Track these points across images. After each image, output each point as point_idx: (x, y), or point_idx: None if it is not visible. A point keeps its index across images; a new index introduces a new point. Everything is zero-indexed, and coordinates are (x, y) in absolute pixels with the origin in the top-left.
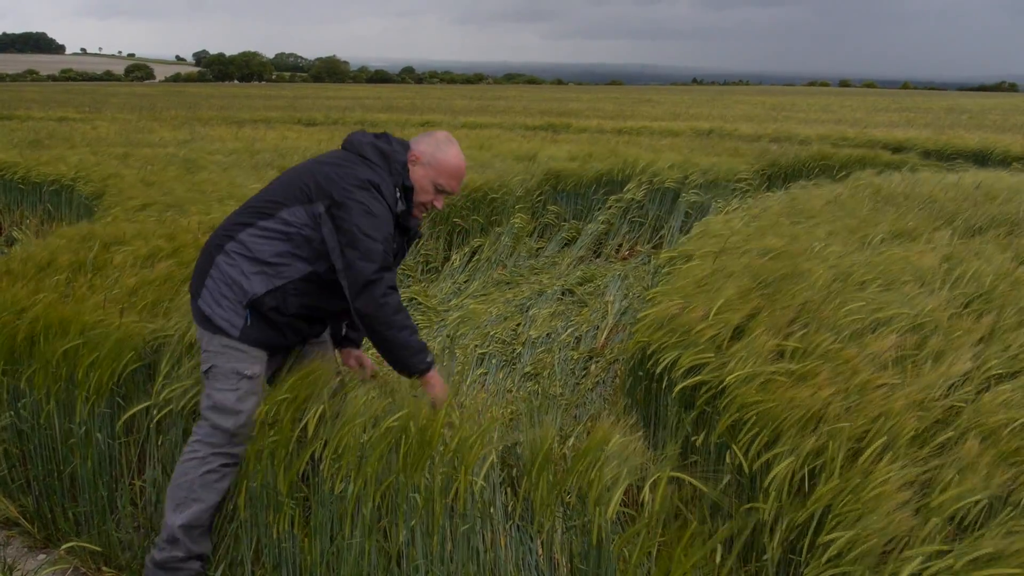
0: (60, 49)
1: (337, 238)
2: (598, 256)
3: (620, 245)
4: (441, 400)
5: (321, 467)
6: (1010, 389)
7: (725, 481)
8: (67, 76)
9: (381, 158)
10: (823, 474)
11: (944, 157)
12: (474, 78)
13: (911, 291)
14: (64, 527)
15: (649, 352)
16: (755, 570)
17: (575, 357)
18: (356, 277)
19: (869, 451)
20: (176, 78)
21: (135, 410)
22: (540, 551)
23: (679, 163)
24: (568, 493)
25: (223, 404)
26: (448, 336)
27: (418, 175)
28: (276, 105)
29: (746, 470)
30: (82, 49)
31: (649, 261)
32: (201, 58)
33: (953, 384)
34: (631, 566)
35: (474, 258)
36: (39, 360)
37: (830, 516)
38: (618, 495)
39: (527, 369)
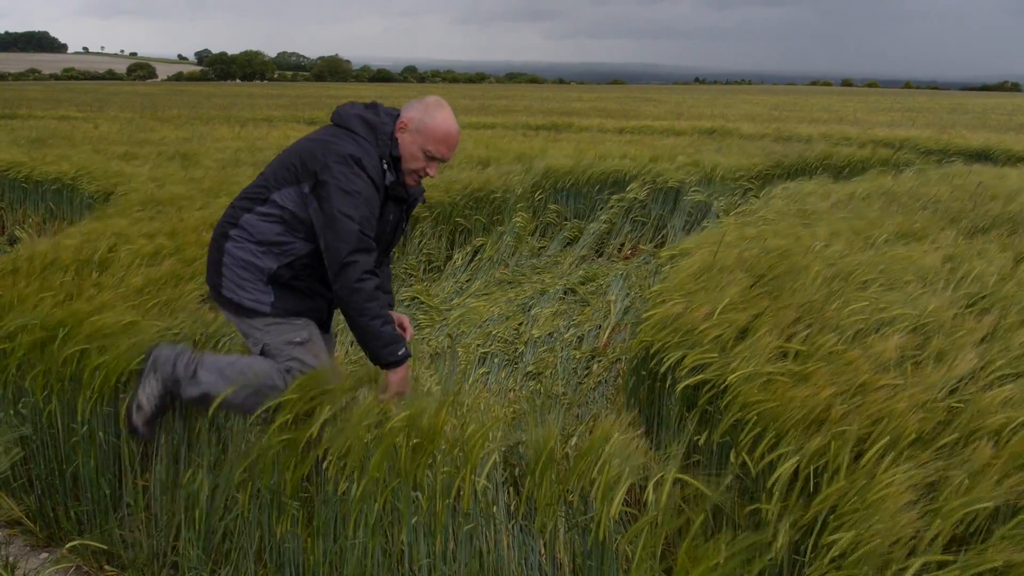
0: (62, 48)
1: (320, 219)
2: (600, 255)
3: (622, 244)
4: (393, 394)
5: (325, 467)
6: (1011, 389)
7: (728, 480)
8: (69, 75)
9: (368, 129)
10: (826, 475)
11: (946, 156)
12: (476, 77)
13: (913, 291)
14: (66, 526)
15: (652, 352)
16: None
17: (577, 356)
18: (333, 259)
19: (872, 451)
20: (178, 77)
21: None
22: (543, 550)
23: (684, 162)
24: (571, 492)
25: (283, 372)
26: (450, 335)
27: (406, 142)
28: (279, 104)
29: (752, 470)
30: (84, 48)
31: (651, 260)
32: (203, 57)
33: (956, 385)
34: (634, 565)
35: (476, 257)
36: (45, 362)
37: (834, 517)
38: (621, 493)
39: (529, 368)
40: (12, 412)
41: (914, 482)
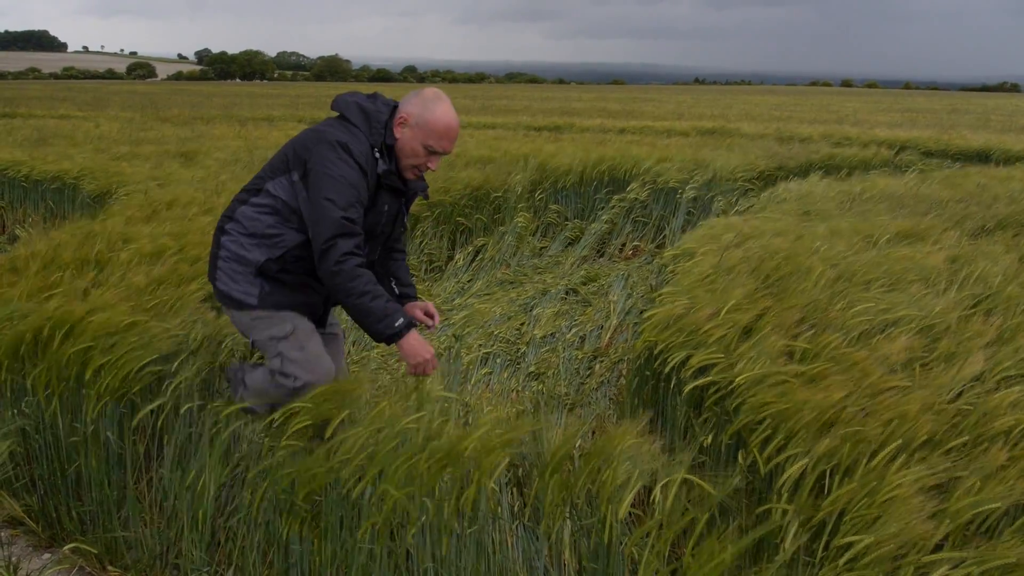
0: (62, 47)
1: (307, 206)
2: (601, 256)
3: (623, 245)
4: (419, 367)
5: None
6: (1020, 391)
7: (736, 481)
8: (69, 74)
9: (363, 117)
10: (838, 476)
11: (948, 157)
12: (476, 77)
13: (917, 292)
14: (69, 526)
15: (656, 352)
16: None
17: (580, 357)
18: (316, 245)
19: (883, 454)
20: (178, 76)
21: (144, 412)
22: (547, 551)
23: (685, 162)
24: (579, 495)
25: (275, 370)
26: (454, 336)
27: (407, 137)
28: (279, 103)
29: (761, 471)
30: (84, 47)
31: (653, 260)
32: (203, 56)
33: (964, 387)
34: (641, 567)
35: (478, 257)
36: (47, 361)
37: (846, 519)
38: (629, 497)
39: (532, 369)
40: (13, 412)
41: (925, 484)
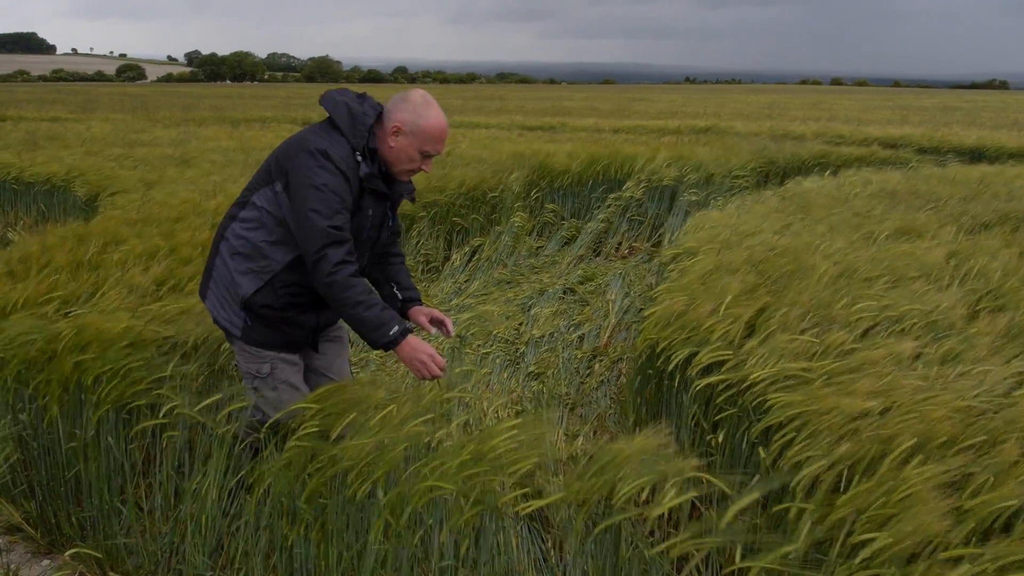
0: (51, 49)
1: (292, 218)
2: (598, 255)
3: (619, 243)
4: (422, 370)
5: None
6: None
7: (754, 482)
8: (58, 76)
9: (348, 119)
10: (857, 476)
11: (941, 154)
12: (467, 78)
13: (919, 288)
14: (68, 532)
15: (659, 350)
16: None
17: (579, 356)
18: (307, 257)
19: (898, 451)
20: (168, 78)
21: (146, 425)
22: (553, 553)
23: (680, 161)
24: (591, 496)
25: (251, 399)
26: (459, 336)
27: (402, 145)
28: (271, 105)
29: (780, 472)
30: (73, 49)
31: (649, 259)
32: (193, 58)
33: (983, 387)
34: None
35: (474, 257)
36: (48, 371)
37: (865, 517)
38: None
39: (531, 368)
40: (10, 418)
41: (941, 482)
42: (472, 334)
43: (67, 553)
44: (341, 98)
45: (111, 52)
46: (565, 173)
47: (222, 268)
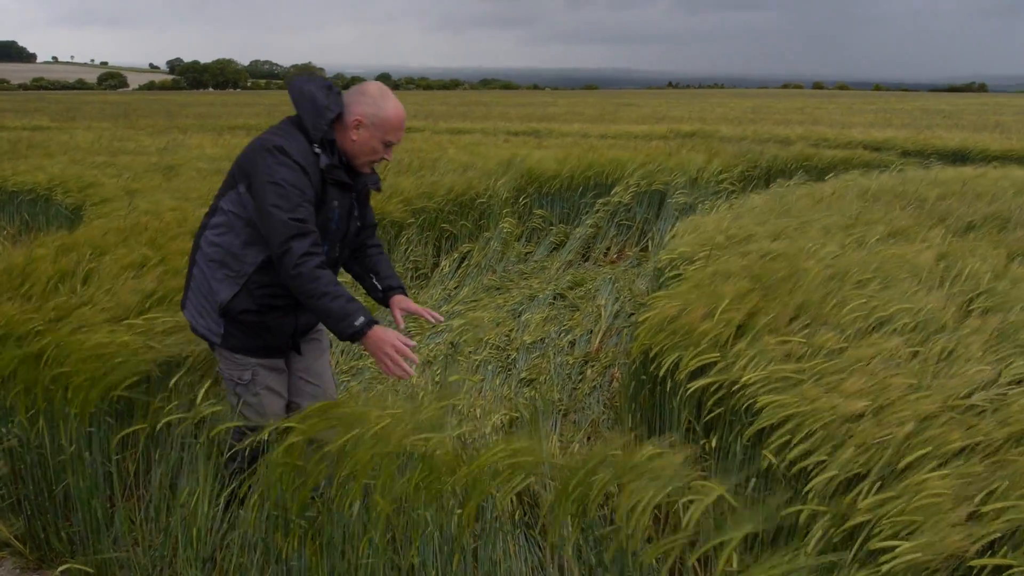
0: (31, 58)
1: (257, 216)
2: (586, 260)
3: (608, 248)
4: (388, 360)
5: (334, 485)
6: None
7: (751, 486)
8: (39, 85)
9: (312, 111)
10: (868, 483)
11: (925, 157)
12: (450, 84)
13: (909, 288)
14: (58, 547)
15: (652, 355)
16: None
17: (570, 362)
18: (273, 252)
19: (909, 458)
20: (150, 86)
21: (129, 430)
22: (551, 564)
23: (667, 165)
24: (591, 508)
25: (233, 406)
26: (452, 343)
27: (364, 137)
28: (255, 112)
29: (779, 474)
30: (53, 58)
31: (638, 264)
32: (175, 66)
33: (975, 387)
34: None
35: (464, 263)
36: (31, 382)
37: (876, 525)
38: (640, 508)
39: (523, 375)
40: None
41: (960, 492)
42: (464, 340)
43: (58, 569)
44: (308, 88)
45: (92, 60)
46: (553, 178)
47: (199, 277)
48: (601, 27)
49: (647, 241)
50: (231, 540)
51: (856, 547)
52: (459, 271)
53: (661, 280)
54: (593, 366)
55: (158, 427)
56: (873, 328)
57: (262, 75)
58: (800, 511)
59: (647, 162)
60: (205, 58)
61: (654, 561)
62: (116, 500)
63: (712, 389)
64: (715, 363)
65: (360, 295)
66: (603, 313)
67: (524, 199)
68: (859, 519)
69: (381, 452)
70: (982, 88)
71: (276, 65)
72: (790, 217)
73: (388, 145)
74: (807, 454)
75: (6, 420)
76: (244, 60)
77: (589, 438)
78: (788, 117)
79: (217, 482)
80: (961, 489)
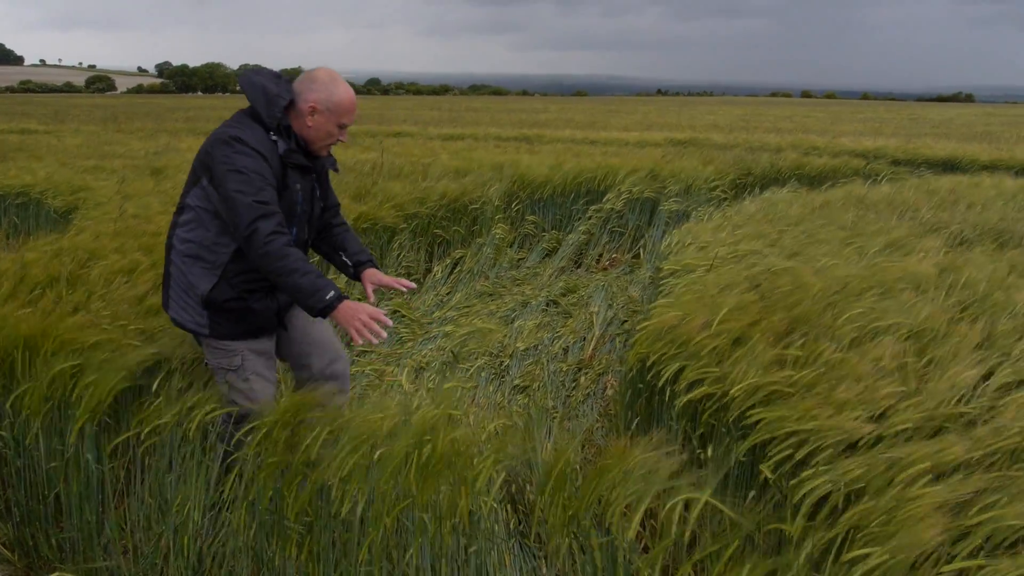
0: (18, 60)
1: (222, 205)
2: (579, 266)
3: (600, 255)
4: (361, 329)
5: (327, 489)
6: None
7: (749, 497)
8: (26, 87)
9: (264, 101)
10: (867, 496)
11: (915, 166)
12: (440, 89)
13: (908, 299)
14: (47, 555)
15: (649, 364)
16: None
17: (564, 369)
18: (239, 235)
19: (905, 473)
20: (138, 89)
21: (126, 436)
22: (545, 570)
23: (660, 172)
24: (585, 514)
25: (224, 394)
26: (452, 352)
27: (319, 122)
28: None
29: (773, 488)
30: (41, 60)
31: (631, 271)
32: (164, 69)
33: (963, 394)
34: None
35: (456, 269)
36: (29, 382)
37: (860, 534)
38: (638, 517)
39: (516, 382)
40: None
41: (943, 501)
42: (466, 350)
43: None
44: (257, 79)
45: (80, 63)
46: (545, 185)
47: (177, 274)
48: (591, 34)
49: (639, 248)
50: (223, 545)
51: (832, 557)
52: (451, 277)
53: (658, 289)
54: (586, 373)
55: (146, 432)
56: (868, 337)
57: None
58: (789, 523)
59: (639, 168)
60: (194, 62)
61: (648, 571)
62: (108, 506)
63: (708, 400)
64: (712, 374)
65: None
66: (596, 320)
67: (516, 205)
68: (837, 531)
69: (385, 455)
70: (969, 98)
71: (266, 69)
72: (786, 226)
73: (343, 127)
74: (797, 465)
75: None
76: (233, 64)
77: (583, 446)
78: (778, 125)
79: (206, 480)
80: (952, 499)
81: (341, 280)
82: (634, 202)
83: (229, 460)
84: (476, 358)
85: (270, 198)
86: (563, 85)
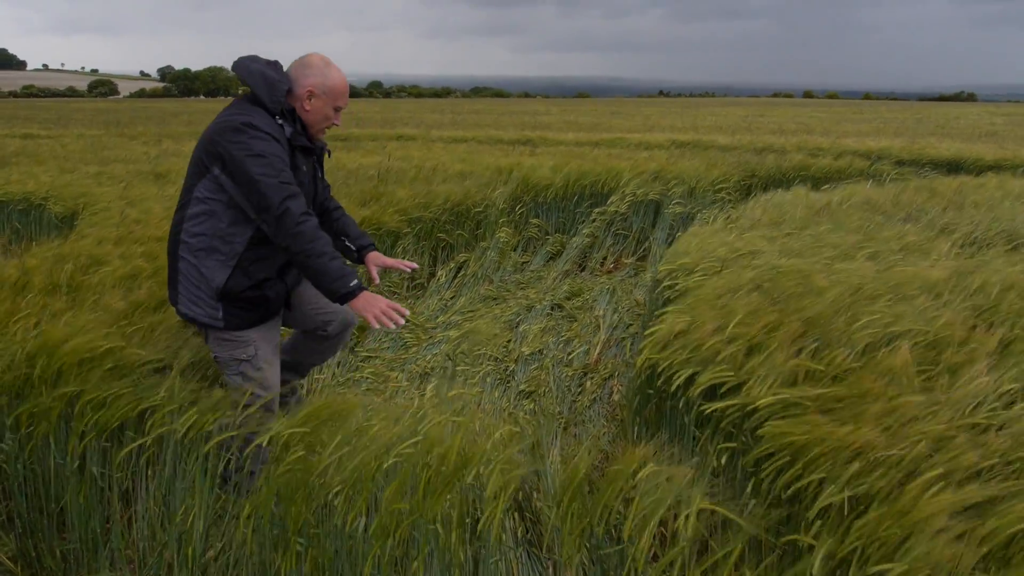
0: (21, 65)
1: (240, 191)
2: (583, 269)
3: (605, 258)
4: (381, 317)
5: (331, 498)
6: None
7: (757, 508)
8: (29, 92)
9: (266, 87)
10: (874, 502)
11: (919, 166)
12: (442, 92)
13: (923, 303)
14: (51, 566)
15: (660, 370)
16: None
17: (570, 374)
18: (268, 216)
19: (917, 481)
20: (141, 94)
21: (131, 447)
22: None
23: (664, 174)
24: (598, 524)
25: (235, 386)
26: (449, 356)
27: (317, 106)
28: None
29: (782, 498)
30: (44, 65)
31: (636, 274)
32: (166, 73)
33: (979, 402)
34: None
35: (460, 273)
36: (33, 401)
37: (874, 546)
38: (652, 525)
39: (522, 387)
40: None
41: (956, 508)
42: (461, 351)
43: None
44: (255, 67)
45: (82, 68)
46: (549, 188)
47: (187, 269)
48: (593, 35)
49: (644, 251)
50: (227, 557)
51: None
52: (455, 281)
53: (665, 293)
54: (592, 378)
55: (150, 440)
56: (883, 344)
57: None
58: (803, 532)
59: (643, 171)
60: (196, 66)
61: None
62: (113, 517)
63: (729, 411)
64: (727, 382)
65: None
66: (602, 324)
67: (520, 208)
68: (852, 543)
69: (392, 469)
70: (971, 97)
71: None
72: (794, 229)
73: (338, 110)
74: (813, 481)
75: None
76: None
77: (590, 452)
78: (781, 126)
79: (212, 494)
80: (962, 505)
81: None
82: (638, 204)
83: (235, 482)
84: (481, 363)
85: (291, 179)
86: (564, 87)
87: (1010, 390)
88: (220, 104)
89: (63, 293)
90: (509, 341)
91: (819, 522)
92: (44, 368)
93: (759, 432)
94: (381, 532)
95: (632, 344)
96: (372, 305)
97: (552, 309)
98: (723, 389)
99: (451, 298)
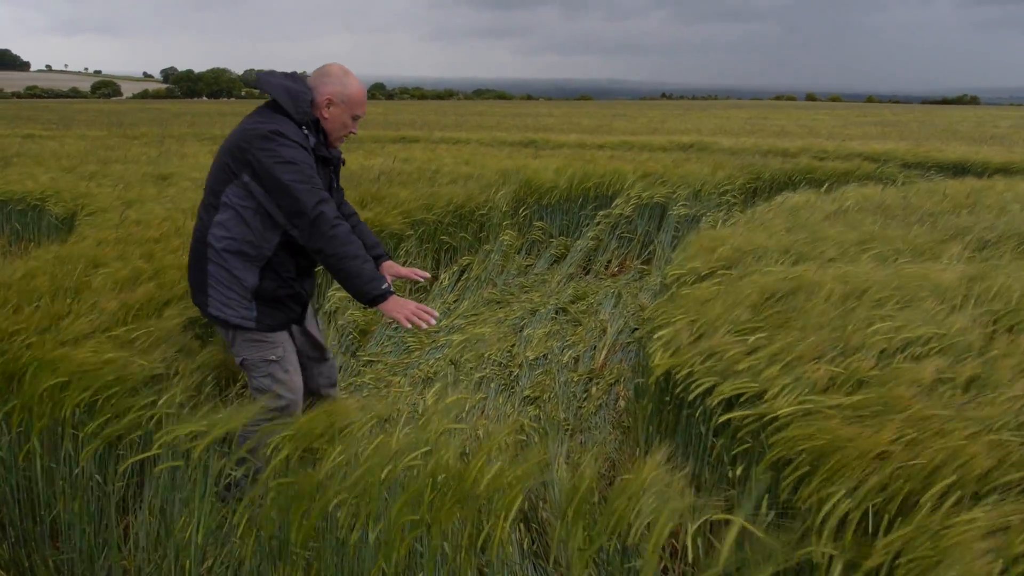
0: (25, 66)
1: (272, 197)
2: (588, 272)
3: (609, 261)
4: (413, 318)
5: (332, 510)
6: None
7: (772, 517)
8: (32, 93)
9: (289, 99)
10: (889, 516)
11: (925, 169)
12: (444, 94)
13: (932, 307)
14: None
15: (677, 377)
16: None
17: (575, 379)
18: (301, 221)
19: (936, 488)
20: (144, 95)
21: (134, 459)
22: None
23: (669, 177)
24: (609, 539)
25: (263, 388)
26: (451, 361)
27: (335, 115)
28: None
29: (801, 510)
30: (47, 66)
31: (640, 277)
32: (169, 75)
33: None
34: None
35: (463, 276)
36: (23, 398)
37: (907, 562)
38: (663, 537)
39: (526, 392)
40: None
41: (991, 527)
42: (464, 359)
43: None
44: (277, 81)
45: (86, 68)
46: (552, 190)
47: (217, 271)
48: (596, 38)
49: (649, 254)
50: (225, 570)
51: None
52: (459, 284)
53: (670, 297)
54: (598, 383)
55: (153, 451)
56: (900, 350)
57: (256, 84)
58: (820, 548)
59: (647, 173)
60: (199, 67)
61: None
62: (111, 526)
63: (747, 420)
64: (746, 391)
65: None
66: (608, 328)
67: (524, 211)
68: (878, 560)
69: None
70: (974, 100)
71: None
72: (802, 232)
73: (356, 119)
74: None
75: None
76: (238, 69)
77: (596, 460)
78: (786, 129)
79: (214, 507)
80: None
81: None
82: (643, 207)
83: (235, 496)
84: (484, 367)
85: (321, 185)
86: (567, 89)
87: None
88: (224, 105)
89: (67, 297)
90: (513, 345)
91: (834, 537)
92: (40, 382)
93: (781, 436)
94: (386, 545)
95: (638, 349)
96: (403, 307)
97: (556, 313)
98: (742, 398)
99: (454, 302)
